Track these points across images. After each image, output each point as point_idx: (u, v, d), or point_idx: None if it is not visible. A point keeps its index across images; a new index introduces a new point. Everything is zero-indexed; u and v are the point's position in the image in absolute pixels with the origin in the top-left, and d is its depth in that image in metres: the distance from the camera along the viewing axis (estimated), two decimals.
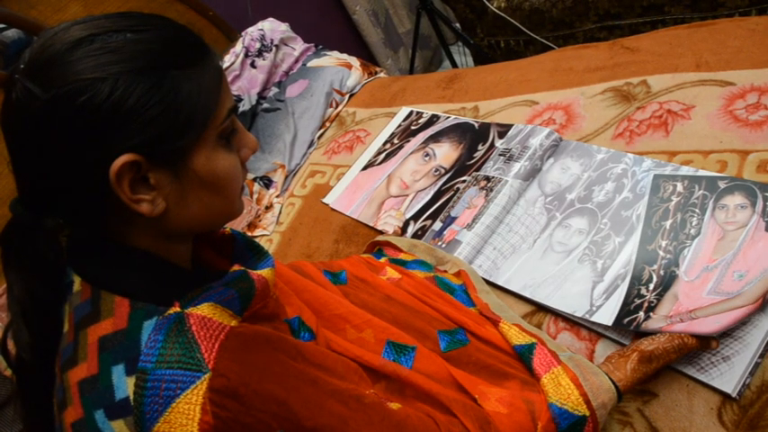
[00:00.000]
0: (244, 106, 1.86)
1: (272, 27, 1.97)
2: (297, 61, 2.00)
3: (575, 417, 0.68)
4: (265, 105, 1.89)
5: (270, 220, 1.60)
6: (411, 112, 1.59)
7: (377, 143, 1.58)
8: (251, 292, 0.54)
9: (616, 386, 0.71)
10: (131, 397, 0.45)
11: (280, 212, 1.63)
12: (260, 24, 1.97)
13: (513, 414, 0.68)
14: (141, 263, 0.53)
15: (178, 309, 0.48)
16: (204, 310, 0.49)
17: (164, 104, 0.48)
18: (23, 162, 0.51)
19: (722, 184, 0.89)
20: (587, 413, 0.68)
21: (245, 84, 1.88)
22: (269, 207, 1.65)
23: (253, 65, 1.90)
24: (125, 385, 0.46)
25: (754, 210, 0.84)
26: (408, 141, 1.48)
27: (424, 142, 1.44)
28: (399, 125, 1.58)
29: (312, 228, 1.48)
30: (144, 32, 0.49)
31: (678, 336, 0.74)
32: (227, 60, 1.88)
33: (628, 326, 0.82)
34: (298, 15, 2.22)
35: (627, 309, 0.84)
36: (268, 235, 1.57)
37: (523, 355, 0.77)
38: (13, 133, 0.49)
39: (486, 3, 2.00)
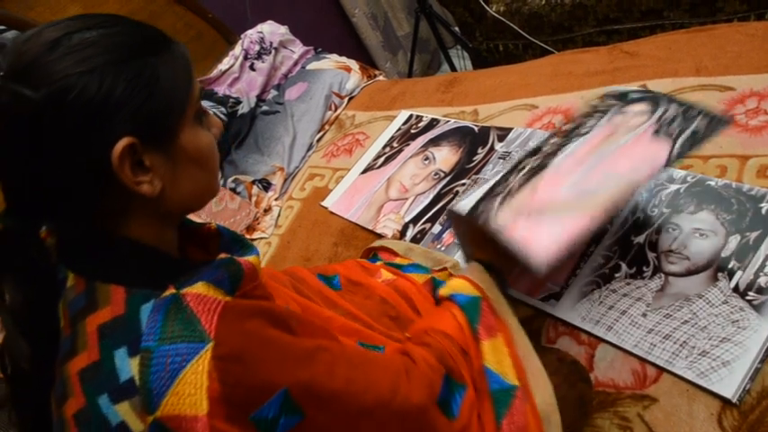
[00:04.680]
0: (243, 109, 1.85)
1: (271, 30, 1.97)
2: (296, 64, 2.00)
3: (469, 297, 0.74)
4: (264, 108, 1.89)
5: (268, 223, 1.60)
6: (411, 116, 1.59)
7: (376, 146, 1.58)
8: (240, 273, 0.55)
9: (487, 270, 0.77)
10: (136, 377, 0.46)
11: (278, 215, 1.62)
12: (259, 27, 1.97)
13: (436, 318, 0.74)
14: (134, 252, 0.55)
15: (173, 290, 0.50)
16: (198, 288, 0.50)
17: (149, 89, 0.51)
18: (15, 168, 0.51)
19: (634, 95, 0.84)
20: (478, 294, 0.74)
21: (244, 86, 1.88)
22: (267, 210, 1.65)
23: (252, 67, 1.90)
24: (128, 367, 0.47)
25: (651, 117, 0.80)
26: (408, 145, 1.48)
27: (423, 146, 1.44)
28: (399, 129, 1.58)
29: (311, 231, 1.48)
30: (113, 27, 0.52)
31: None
32: (226, 63, 1.87)
33: (480, 215, 0.76)
34: (297, 18, 2.22)
35: (487, 194, 0.79)
36: (266, 238, 1.57)
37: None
38: (3, 141, 0.50)
39: (485, 6, 2.01)
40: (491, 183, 0.81)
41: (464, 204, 0.80)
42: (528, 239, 0.72)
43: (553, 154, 0.81)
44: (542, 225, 0.73)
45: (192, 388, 0.45)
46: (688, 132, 0.77)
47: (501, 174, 0.82)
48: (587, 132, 0.82)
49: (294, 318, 0.56)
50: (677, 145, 0.76)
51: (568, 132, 0.83)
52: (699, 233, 0.89)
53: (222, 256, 0.58)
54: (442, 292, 0.77)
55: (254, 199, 1.68)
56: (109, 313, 0.50)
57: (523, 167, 0.81)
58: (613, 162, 0.76)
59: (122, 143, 0.49)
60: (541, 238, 0.72)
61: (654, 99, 0.82)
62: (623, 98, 0.85)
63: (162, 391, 0.45)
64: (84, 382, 0.49)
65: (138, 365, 0.46)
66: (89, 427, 0.48)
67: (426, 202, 1.29)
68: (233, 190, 1.71)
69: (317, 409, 0.50)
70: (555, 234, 0.72)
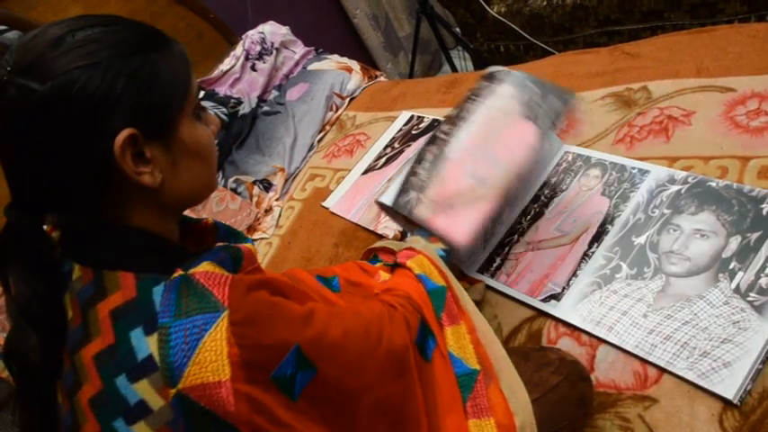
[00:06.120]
0: (244, 109, 1.85)
1: (272, 30, 1.97)
2: (297, 64, 2.00)
3: (436, 286, 0.79)
4: (265, 108, 1.89)
5: (269, 224, 1.60)
6: (412, 117, 1.59)
7: (377, 147, 1.58)
8: (239, 255, 0.59)
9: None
10: (155, 353, 0.47)
11: (279, 216, 1.62)
12: (260, 27, 1.97)
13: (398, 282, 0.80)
14: (140, 240, 0.56)
15: (181, 272, 0.51)
16: (205, 267, 0.52)
17: (150, 81, 0.54)
18: (22, 161, 0.52)
19: (499, 75, 0.94)
20: (444, 284, 0.79)
21: (246, 87, 1.88)
22: (268, 210, 1.65)
23: (253, 68, 1.90)
24: (146, 345, 0.48)
25: (520, 103, 0.90)
26: (409, 146, 1.49)
27: None
28: (400, 129, 1.58)
29: (312, 231, 1.48)
30: (114, 26, 0.54)
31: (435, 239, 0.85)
32: (228, 63, 1.87)
33: (404, 207, 0.87)
34: (298, 18, 2.22)
35: (405, 186, 0.89)
36: (267, 238, 1.57)
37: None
38: (9, 135, 0.51)
39: (487, 7, 2.01)
40: (404, 173, 0.91)
41: (388, 195, 0.90)
42: (448, 228, 0.85)
43: (446, 142, 0.90)
44: (457, 214, 0.86)
45: (213, 355, 0.47)
46: (544, 109, 0.91)
47: (409, 164, 0.92)
48: (470, 117, 0.91)
49: (288, 288, 0.59)
50: (539, 123, 0.90)
51: (454, 118, 0.92)
52: (700, 234, 0.89)
53: (220, 244, 0.60)
54: (411, 264, 0.81)
55: (254, 199, 1.69)
56: (120, 298, 0.51)
57: (426, 158, 0.90)
58: (495, 150, 0.89)
59: (124, 133, 0.51)
60: (459, 224, 0.85)
61: (521, 84, 0.93)
62: (491, 78, 0.95)
63: (183, 362, 0.46)
64: (101, 365, 0.50)
65: (157, 342, 0.47)
66: (107, 409, 0.49)
67: None
68: (234, 190, 1.71)
69: (326, 361, 0.54)
70: (469, 218, 0.86)
